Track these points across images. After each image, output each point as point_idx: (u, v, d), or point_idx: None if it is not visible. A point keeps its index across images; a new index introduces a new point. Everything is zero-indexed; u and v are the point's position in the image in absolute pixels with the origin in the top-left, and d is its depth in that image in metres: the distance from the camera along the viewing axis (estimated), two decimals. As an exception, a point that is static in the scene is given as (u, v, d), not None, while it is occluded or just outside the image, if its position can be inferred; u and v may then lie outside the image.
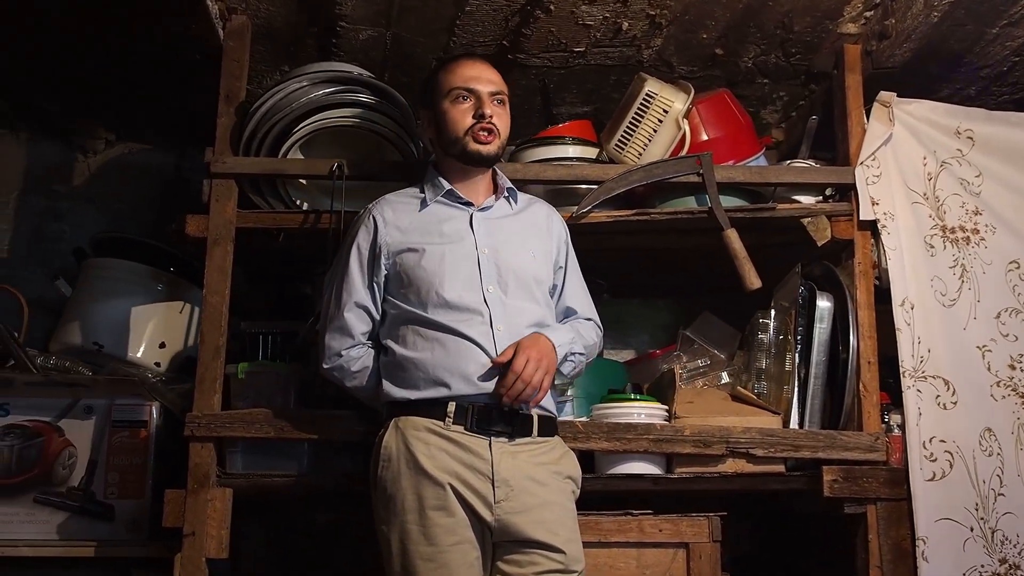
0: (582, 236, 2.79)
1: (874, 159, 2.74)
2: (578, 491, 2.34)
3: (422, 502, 2.14)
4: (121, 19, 2.73)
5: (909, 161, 2.78)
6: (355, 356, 2.33)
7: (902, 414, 2.59)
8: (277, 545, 3.08)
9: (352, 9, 2.74)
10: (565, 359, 2.34)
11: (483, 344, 2.22)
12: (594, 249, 2.93)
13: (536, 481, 2.20)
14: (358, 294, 2.34)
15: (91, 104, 3.36)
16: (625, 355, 3.45)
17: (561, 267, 2.47)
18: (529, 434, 2.24)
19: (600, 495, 2.64)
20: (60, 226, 3.50)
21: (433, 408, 2.20)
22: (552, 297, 2.44)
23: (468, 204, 2.38)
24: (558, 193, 2.81)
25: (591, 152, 2.92)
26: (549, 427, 2.30)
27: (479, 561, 2.16)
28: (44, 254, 3.46)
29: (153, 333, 3.03)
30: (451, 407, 2.19)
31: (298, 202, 2.78)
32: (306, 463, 2.57)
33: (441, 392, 2.20)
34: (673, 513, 2.55)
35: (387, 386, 2.26)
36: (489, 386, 2.20)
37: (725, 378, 2.79)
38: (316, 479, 2.56)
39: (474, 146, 2.32)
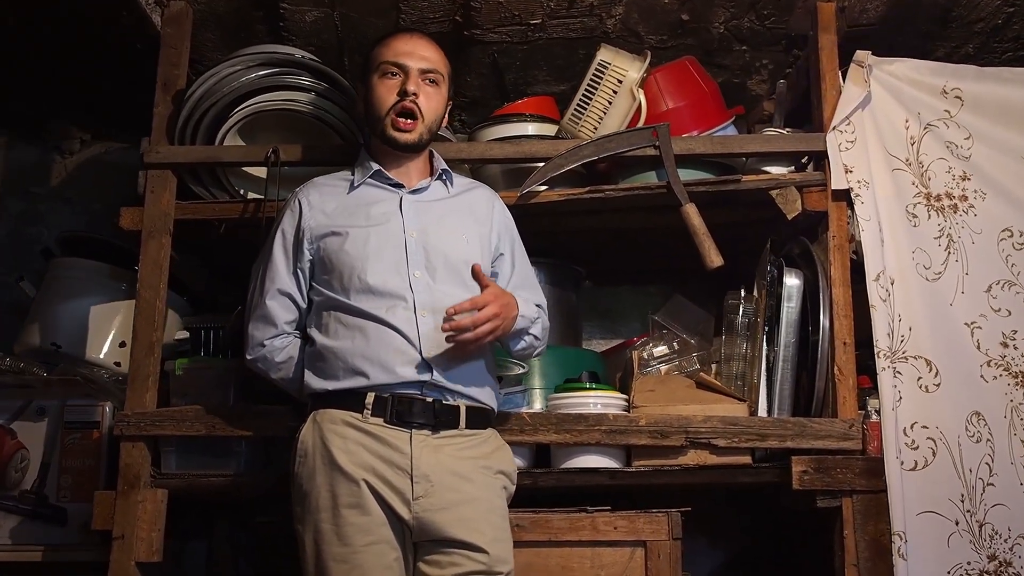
0: (539, 218, 2.66)
1: (848, 123, 2.52)
2: (512, 487, 2.20)
3: (336, 500, 2.02)
4: (59, 14, 2.68)
5: (890, 125, 2.56)
6: (279, 346, 2.22)
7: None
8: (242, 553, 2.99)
9: (291, -12, 2.65)
10: (520, 334, 2.21)
11: (405, 331, 2.09)
12: (557, 231, 2.80)
13: (460, 476, 2.05)
14: (281, 281, 2.22)
15: (63, 104, 3.33)
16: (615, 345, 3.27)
17: (503, 254, 2.33)
18: (455, 426, 2.10)
19: (555, 491, 2.50)
20: (38, 228, 3.47)
21: (351, 400, 2.08)
22: None
23: (398, 186, 2.25)
24: (519, 173, 2.66)
25: (552, 129, 2.77)
26: (480, 419, 2.15)
27: (399, 563, 2.03)
28: (23, 256, 3.43)
29: (114, 332, 2.96)
30: (369, 398, 2.07)
31: (242, 192, 2.69)
32: (244, 462, 2.47)
33: (359, 382, 2.07)
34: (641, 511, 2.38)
35: (308, 377, 2.15)
36: (410, 375, 2.06)
37: (697, 364, 2.60)
38: (253, 479, 2.45)
39: (391, 132, 2.20)
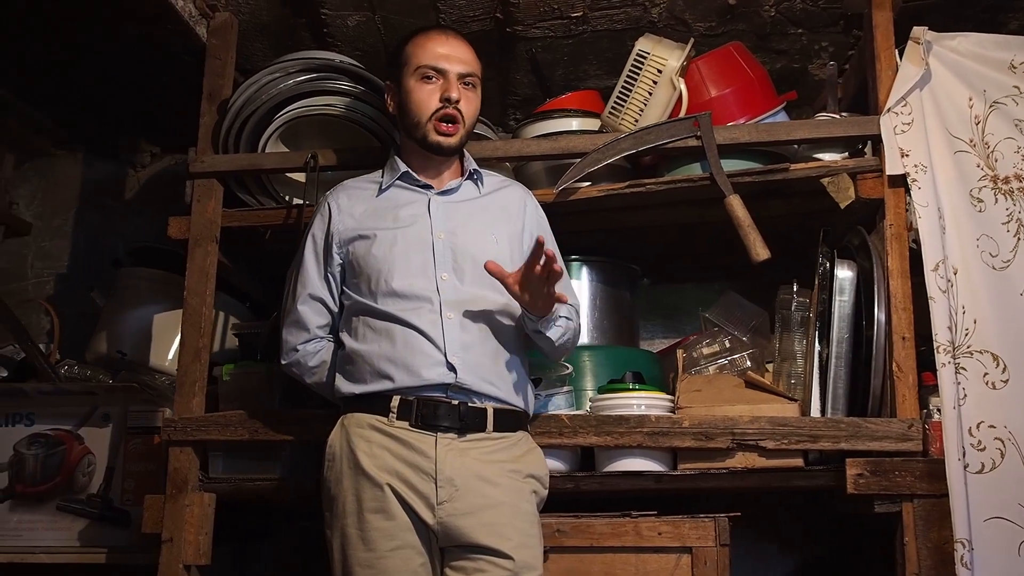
0: (589, 215, 2.61)
1: (904, 104, 2.37)
2: (544, 491, 2.14)
3: (361, 504, 2.00)
4: (105, 30, 2.76)
5: (952, 104, 2.40)
6: (311, 351, 2.22)
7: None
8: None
9: (328, -7, 2.65)
10: (555, 317, 2.12)
11: (430, 334, 2.06)
12: (610, 228, 2.73)
13: (486, 480, 2.01)
14: (313, 286, 2.22)
15: (132, 120, 3.43)
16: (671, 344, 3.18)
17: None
18: (482, 429, 2.06)
19: (600, 496, 2.43)
20: (114, 240, 3.57)
21: (378, 403, 2.06)
22: None
23: (427, 187, 2.23)
24: (561, 170, 2.59)
25: (597, 124, 2.69)
26: (509, 421, 2.10)
27: (425, 568, 2.00)
28: (100, 268, 3.54)
29: (176, 340, 3.01)
30: (395, 401, 2.04)
31: (288, 198, 2.70)
32: (288, 466, 2.48)
33: (385, 385, 2.05)
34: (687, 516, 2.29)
35: (338, 380, 2.14)
36: (435, 377, 2.03)
37: (748, 363, 2.49)
38: (299, 482, 2.46)
39: (435, 137, 2.16)
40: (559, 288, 2.24)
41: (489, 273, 2.02)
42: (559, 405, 2.43)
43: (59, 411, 2.88)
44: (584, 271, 2.85)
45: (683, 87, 2.47)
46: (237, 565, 2.74)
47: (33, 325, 3.38)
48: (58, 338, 3.12)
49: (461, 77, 2.16)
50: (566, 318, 2.18)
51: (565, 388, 2.47)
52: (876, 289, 2.28)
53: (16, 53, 2.97)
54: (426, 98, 2.15)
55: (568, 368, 2.52)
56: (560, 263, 2.26)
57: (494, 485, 2.01)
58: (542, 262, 1.96)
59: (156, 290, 3.07)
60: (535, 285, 2.01)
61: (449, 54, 2.16)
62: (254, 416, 2.42)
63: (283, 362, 2.25)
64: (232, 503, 2.50)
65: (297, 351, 2.22)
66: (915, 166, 2.33)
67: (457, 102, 2.14)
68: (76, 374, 2.92)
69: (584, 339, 2.78)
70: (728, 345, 2.53)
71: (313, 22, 2.79)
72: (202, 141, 2.65)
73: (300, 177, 2.66)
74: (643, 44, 2.51)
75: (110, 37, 2.84)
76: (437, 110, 2.14)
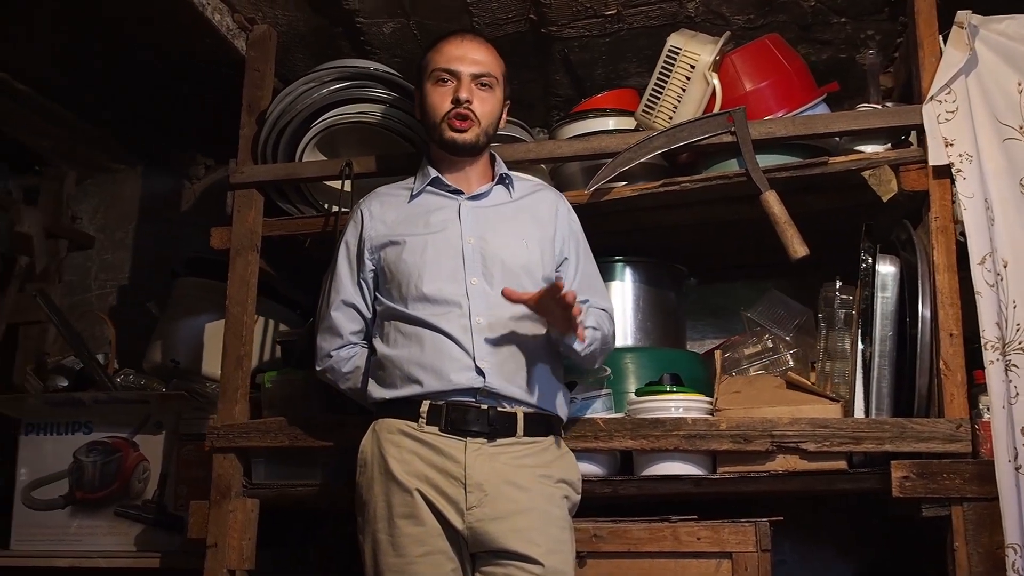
0: (628, 214, 2.58)
1: (948, 92, 2.28)
2: (577, 496, 2.12)
3: (391, 510, 2.01)
4: (155, 48, 2.83)
5: (1000, 90, 2.29)
6: (345, 356, 2.24)
7: (995, 395, 2.13)
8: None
9: (359, 3, 2.67)
10: (591, 342, 2.12)
11: (459, 338, 2.05)
12: (652, 227, 2.68)
13: (515, 485, 2.00)
14: (346, 292, 2.24)
15: (186, 134, 3.51)
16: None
17: (567, 257, 2.25)
18: (512, 434, 2.05)
19: (639, 500, 2.39)
20: (171, 251, 3.65)
21: (407, 408, 2.06)
22: None
23: (457, 192, 2.22)
24: (598, 170, 2.57)
25: (633, 123, 2.66)
26: (540, 426, 2.09)
27: (456, 573, 2.00)
28: (158, 279, 3.62)
29: (229, 348, 3.08)
30: (424, 406, 2.04)
31: (327, 206, 2.73)
32: (329, 471, 2.50)
33: (414, 390, 2.05)
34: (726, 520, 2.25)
35: (370, 386, 2.15)
36: (464, 382, 2.02)
37: (791, 363, 2.43)
38: (339, 488, 2.46)
39: (449, 134, 2.17)
40: (590, 292, 2.24)
41: (505, 298, 2.00)
42: (596, 408, 2.40)
43: (115, 419, 2.96)
44: (627, 272, 2.81)
45: (716, 82, 2.42)
46: (283, 570, 2.77)
47: (96, 336, 3.47)
48: (115, 348, 3.20)
49: (475, 78, 2.16)
50: (593, 328, 2.14)
51: (603, 391, 2.44)
52: (920, 284, 2.20)
53: (74, 73, 3.06)
54: (439, 100, 2.16)
55: (606, 370, 2.49)
56: (590, 275, 2.26)
57: (524, 490, 2.00)
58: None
59: (208, 299, 3.12)
60: (554, 309, 1.99)
61: (462, 56, 2.17)
62: (293, 423, 2.44)
63: (318, 368, 2.27)
64: (278, 508, 2.53)
65: (331, 357, 2.24)
66: (960, 156, 2.24)
67: (467, 102, 2.14)
68: (131, 383, 3.00)
69: (627, 340, 2.76)
70: (771, 345, 2.46)
71: (350, 31, 2.81)
72: (242, 152, 2.69)
73: (338, 185, 2.69)
74: (675, 40, 2.47)
75: (160, 55, 2.91)
76: (449, 111, 2.15)
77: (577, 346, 2.10)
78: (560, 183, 2.72)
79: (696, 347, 3.09)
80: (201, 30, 2.66)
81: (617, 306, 2.78)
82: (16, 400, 3.06)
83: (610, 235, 2.71)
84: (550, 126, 3.29)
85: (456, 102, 2.15)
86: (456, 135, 2.16)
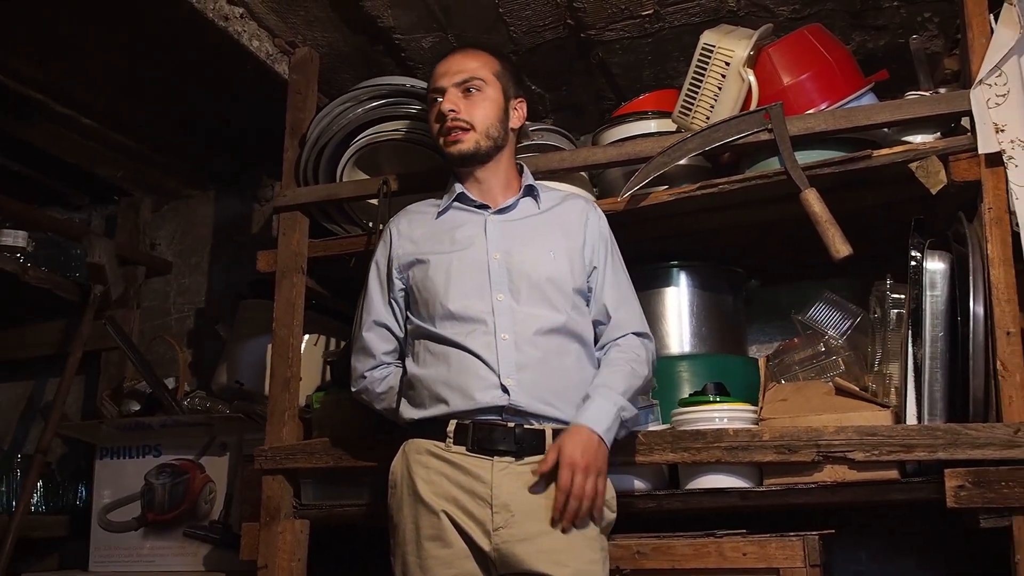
0: (679, 217, 2.52)
1: (999, 74, 2.15)
2: (612, 514, 2.06)
3: (419, 532, 1.99)
4: (215, 75, 2.90)
5: (1057, 68, 2.15)
6: (379, 377, 2.23)
7: (1058, 397, 1.98)
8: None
9: (394, 20, 2.68)
10: (621, 428, 2.04)
11: (484, 356, 2.02)
12: (708, 229, 2.59)
13: (544, 505, 1.95)
14: (377, 312, 2.24)
15: (253, 156, 3.58)
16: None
17: (596, 267, 2.19)
18: (541, 451, 2.00)
19: (686, 515, 2.32)
20: (242, 273, 3.73)
21: (435, 428, 2.04)
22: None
23: (483, 207, 2.20)
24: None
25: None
26: (571, 443, 2.04)
27: (484, 596, 1.96)
28: (230, 301, 3.70)
29: (290, 368, 3.12)
30: (451, 426, 2.02)
31: (370, 224, 2.73)
32: (377, 491, 2.49)
33: (441, 410, 2.03)
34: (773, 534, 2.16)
35: (402, 406, 2.15)
36: (489, 400, 1.99)
37: (842, 367, 2.32)
38: (385, 508, 2.46)
39: (448, 150, 2.18)
40: (619, 303, 2.17)
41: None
42: (639, 421, 2.33)
43: (182, 442, 3.04)
44: (682, 276, 2.74)
45: (752, 78, 2.33)
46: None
47: (171, 360, 3.56)
48: (184, 371, 3.28)
49: (458, 85, 2.15)
50: (632, 411, 2.06)
51: (648, 403, 2.37)
52: (972, 280, 2.07)
53: (136, 104, 3.16)
54: (433, 120, 2.18)
55: (652, 382, 2.42)
56: (621, 287, 2.19)
57: (552, 510, 1.95)
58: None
59: (268, 320, 3.16)
60: None
61: (445, 71, 2.18)
62: (337, 443, 2.46)
63: (353, 389, 2.28)
64: (332, 529, 2.55)
65: (365, 378, 2.24)
66: (1011, 142, 2.10)
67: (451, 112, 2.13)
68: (197, 406, 3.07)
69: (684, 348, 2.69)
70: (823, 349, 2.35)
71: (390, 48, 2.82)
72: (286, 175, 2.72)
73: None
74: (708, 37, 2.39)
75: (213, 81, 2.97)
76: (439, 128, 2.16)
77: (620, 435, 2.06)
78: (603, 190, 2.67)
79: (764, 351, 2.98)
80: (242, 57, 2.71)
81: (672, 312, 2.72)
82: (90, 427, 3.17)
83: (658, 240, 2.65)
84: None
85: (440, 118, 2.15)
86: (453, 148, 2.15)
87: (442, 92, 2.15)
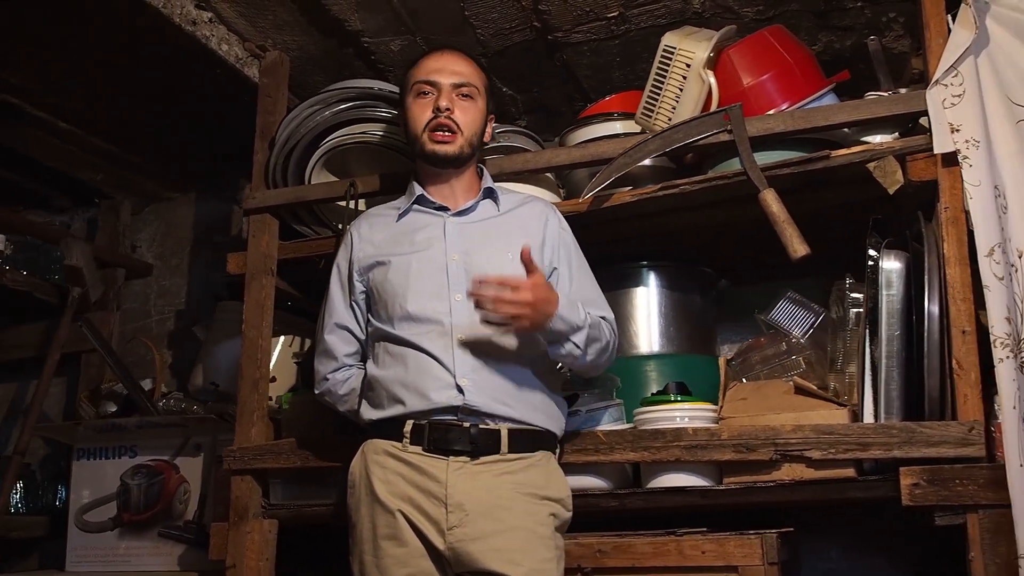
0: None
1: (955, 74, 2.15)
2: (567, 513, 2.08)
3: (375, 531, 2.01)
4: (187, 79, 2.92)
5: (1014, 69, 2.15)
6: (340, 379, 2.25)
7: (1012, 395, 1.99)
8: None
9: (361, 23, 2.69)
10: (559, 339, 2.04)
11: (440, 357, 2.04)
12: (675, 230, 2.60)
13: (497, 504, 1.97)
14: (339, 315, 2.26)
15: (229, 159, 3.59)
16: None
17: (556, 267, 2.21)
18: (497, 451, 2.02)
19: (648, 514, 2.33)
20: (223, 275, 3.73)
21: (392, 429, 2.07)
22: None
23: (443, 209, 2.21)
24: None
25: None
26: (527, 442, 2.06)
27: (440, 595, 1.98)
28: (209, 303, 3.72)
29: (265, 369, 3.14)
30: (408, 426, 2.04)
31: (339, 227, 2.75)
32: (344, 491, 2.51)
33: (398, 410, 2.05)
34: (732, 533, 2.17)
35: (362, 407, 2.17)
36: (444, 400, 2.01)
37: (803, 367, 2.33)
38: (352, 507, 2.49)
39: (431, 146, 2.16)
40: (586, 303, 2.18)
41: (523, 260, 1.97)
42: (603, 420, 2.35)
43: (157, 443, 3.05)
44: (651, 276, 2.75)
45: (712, 80, 2.35)
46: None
47: (149, 362, 3.57)
48: (160, 372, 3.30)
49: (455, 87, 2.16)
50: (574, 344, 2.06)
51: (610, 403, 2.39)
52: (928, 279, 2.08)
53: (112, 108, 3.17)
54: (420, 112, 2.16)
55: (616, 381, 2.44)
56: (586, 286, 2.20)
57: (506, 509, 1.97)
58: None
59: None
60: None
61: (442, 67, 2.17)
62: (304, 444, 2.47)
63: (316, 391, 2.30)
64: (301, 529, 2.57)
65: (327, 380, 2.26)
66: (966, 142, 2.11)
67: (448, 110, 2.13)
68: (172, 407, 3.09)
69: (652, 348, 2.69)
70: (785, 348, 2.37)
71: (360, 51, 2.84)
72: (256, 177, 2.74)
73: (351, 205, 2.71)
74: (669, 39, 2.41)
75: (185, 86, 2.99)
76: (430, 120, 2.14)
77: (552, 350, 2.06)
78: (570, 191, 2.68)
79: (733, 352, 2.99)
80: (211, 61, 2.73)
81: (641, 312, 2.74)
82: (67, 428, 3.19)
83: (628, 241, 2.66)
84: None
85: (437, 110, 2.14)
86: (438, 147, 2.16)
87: (437, 86, 2.16)
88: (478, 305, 1.94)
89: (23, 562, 3.50)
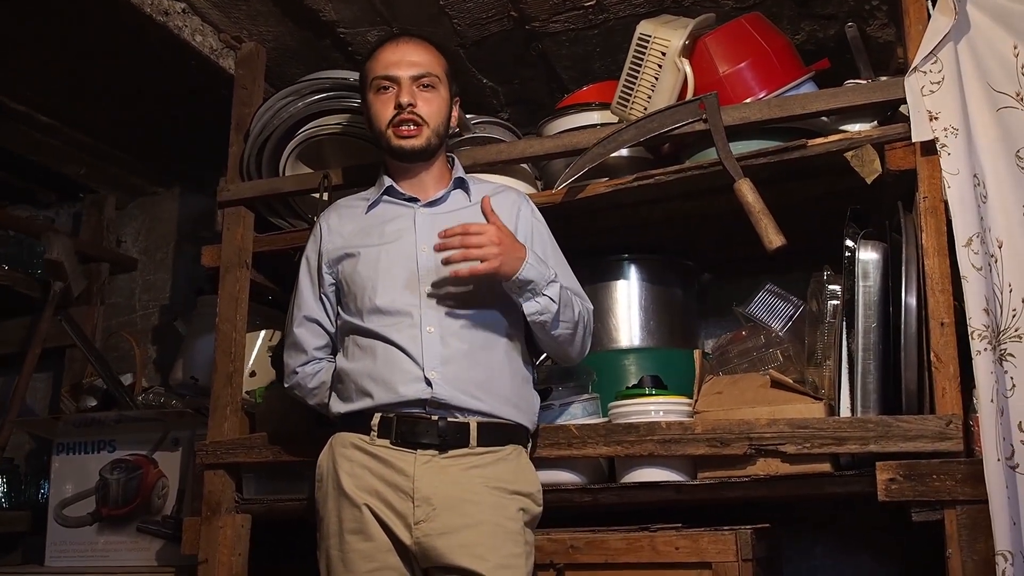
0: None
1: (934, 61, 2.11)
2: (537, 508, 2.05)
3: (342, 525, 1.99)
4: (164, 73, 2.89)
5: (994, 55, 2.09)
6: (310, 372, 2.22)
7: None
8: None
9: (336, 13, 2.66)
10: (532, 290, 2.00)
11: (409, 349, 2.01)
12: (658, 221, 2.56)
13: (465, 498, 1.94)
14: (308, 308, 2.22)
15: (212, 153, 3.55)
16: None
17: None
18: (465, 444, 1.99)
19: (622, 509, 2.30)
20: (205, 269, 3.72)
21: (360, 422, 2.04)
22: None
23: (413, 200, 2.18)
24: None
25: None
26: (497, 436, 2.03)
27: (407, 589, 1.95)
28: (192, 297, 3.69)
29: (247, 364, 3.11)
30: (375, 419, 2.01)
31: (315, 218, 2.71)
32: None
33: (366, 403, 2.02)
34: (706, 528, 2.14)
35: (331, 400, 2.13)
36: (412, 393, 1.98)
37: (780, 360, 2.29)
38: (326, 501, 2.46)
39: (396, 142, 2.13)
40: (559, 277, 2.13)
41: (483, 210, 2.01)
42: (575, 414, 2.32)
43: (136, 437, 3.03)
44: (631, 269, 2.72)
45: (688, 68, 2.30)
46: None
47: (130, 356, 3.55)
48: (141, 366, 3.27)
49: (415, 79, 2.11)
50: (549, 298, 2.02)
51: (585, 396, 2.35)
52: (905, 270, 2.04)
53: (92, 103, 3.15)
54: (381, 108, 2.12)
55: (592, 374, 2.41)
56: (562, 275, 2.16)
57: (474, 503, 1.94)
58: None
59: (227, 316, 3.16)
60: None
61: (399, 60, 2.12)
62: (275, 438, 2.44)
63: (285, 384, 2.27)
64: (274, 523, 2.54)
65: (297, 373, 2.23)
66: (945, 130, 2.06)
67: (410, 105, 2.09)
68: (151, 401, 3.06)
69: (634, 341, 2.66)
70: (763, 341, 2.33)
71: (336, 42, 2.80)
72: (231, 170, 2.71)
73: (326, 197, 2.68)
74: (644, 27, 2.36)
75: (162, 78, 2.96)
76: (392, 117, 2.11)
77: (523, 302, 2.02)
78: (547, 182, 2.65)
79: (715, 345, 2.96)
80: (185, 53, 2.69)
81: (621, 306, 2.70)
82: (47, 422, 3.17)
83: (608, 233, 2.63)
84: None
85: (399, 107, 2.11)
86: (404, 142, 2.12)
87: (395, 81, 2.12)
88: (447, 261, 1.94)
89: (6, 556, 3.48)
